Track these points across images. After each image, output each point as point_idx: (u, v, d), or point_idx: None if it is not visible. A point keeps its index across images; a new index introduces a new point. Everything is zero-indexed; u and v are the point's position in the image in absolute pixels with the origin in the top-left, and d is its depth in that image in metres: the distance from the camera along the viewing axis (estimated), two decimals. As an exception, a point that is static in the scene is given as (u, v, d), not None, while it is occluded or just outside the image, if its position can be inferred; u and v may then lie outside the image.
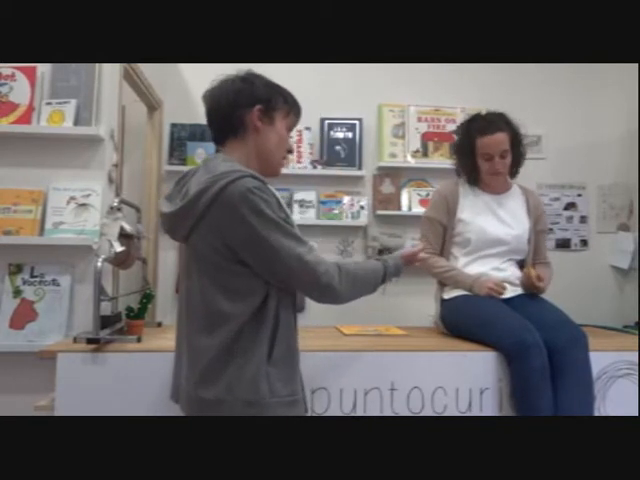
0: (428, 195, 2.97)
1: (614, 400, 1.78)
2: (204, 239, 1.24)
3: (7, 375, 1.90)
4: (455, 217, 2.07)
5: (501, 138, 1.99)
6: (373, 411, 1.69)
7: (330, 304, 1.31)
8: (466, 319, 1.93)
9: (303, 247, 1.24)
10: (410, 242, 2.95)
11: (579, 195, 3.24)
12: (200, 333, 1.26)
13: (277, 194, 1.28)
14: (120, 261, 1.88)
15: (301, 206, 2.98)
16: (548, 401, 1.66)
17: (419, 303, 2.41)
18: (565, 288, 2.41)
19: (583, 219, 3.24)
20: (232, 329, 1.23)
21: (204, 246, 1.25)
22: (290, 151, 1.47)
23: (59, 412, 1.58)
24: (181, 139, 2.98)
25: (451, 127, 3.00)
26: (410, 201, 3.07)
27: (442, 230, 2.09)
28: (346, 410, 1.68)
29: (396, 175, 3.10)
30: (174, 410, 1.35)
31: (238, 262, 1.23)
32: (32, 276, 1.97)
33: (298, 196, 2.99)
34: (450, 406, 1.71)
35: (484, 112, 2.08)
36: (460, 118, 2.65)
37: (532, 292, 2.00)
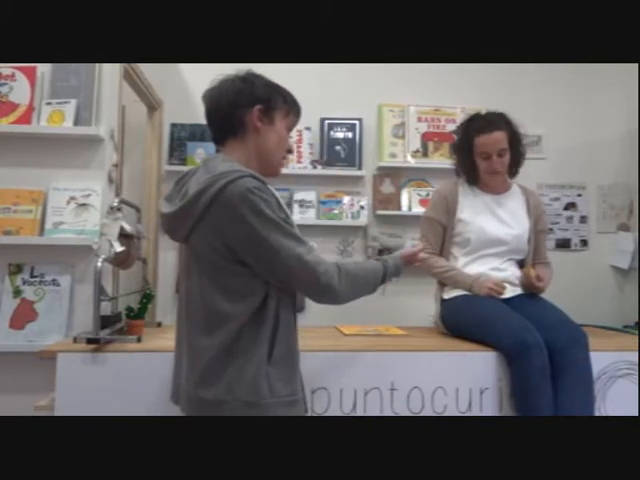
0: (428, 195, 2.97)
1: (614, 400, 1.78)
2: (204, 239, 1.24)
3: (7, 375, 1.90)
4: (455, 217, 2.07)
5: (499, 137, 1.99)
6: (373, 411, 1.69)
7: (330, 304, 1.31)
8: (466, 319, 1.93)
9: (303, 247, 1.24)
10: (410, 242, 2.95)
11: (579, 195, 3.24)
12: (200, 333, 1.26)
13: (277, 194, 1.28)
14: (120, 261, 1.88)
15: (301, 206, 2.98)
16: (548, 401, 1.66)
17: (419, 303, 2.41)
18: (565, 288, 2.41)
19: (583, 219, 3.24)
20: (232, 329, 1.23)
21: (204, 246, 1.25)
22: (290, 151, 1.47)
23: (59, 412, 1.58)
24: (181, 139, 2.98)
25: (451, 127, 3.00)
26: (410, 201, 3.07)
27: (442, 230, 2.09)
28: (346, 410, 1.68)
29: (396, 175, 3.10)
30: (174, 410, 1.35)
31: (238, 262, 1.23)
32: (32, 276, 1.97)
33: (298, 196, 2.98)
34: (450, 406, 1.71)
35: (484, 112, 2.08)
36: (460, 118, 2.64)
37: (532, 292, 2.01)
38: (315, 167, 3.02)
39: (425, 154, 3.12)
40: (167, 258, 2.93)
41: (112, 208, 1.85)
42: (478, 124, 2.03)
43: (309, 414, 1.59)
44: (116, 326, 1.86)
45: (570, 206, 3.24)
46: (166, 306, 2.86)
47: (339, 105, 3.07)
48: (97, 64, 2.03)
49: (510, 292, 1.99)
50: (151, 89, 2.67)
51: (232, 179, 1.20)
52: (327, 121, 3.07)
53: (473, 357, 1.76)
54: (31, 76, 2.02)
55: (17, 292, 1.96)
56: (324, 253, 2.21)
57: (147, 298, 1.93)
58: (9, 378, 1.90)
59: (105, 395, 1.60)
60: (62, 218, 1.97)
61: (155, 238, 2.85)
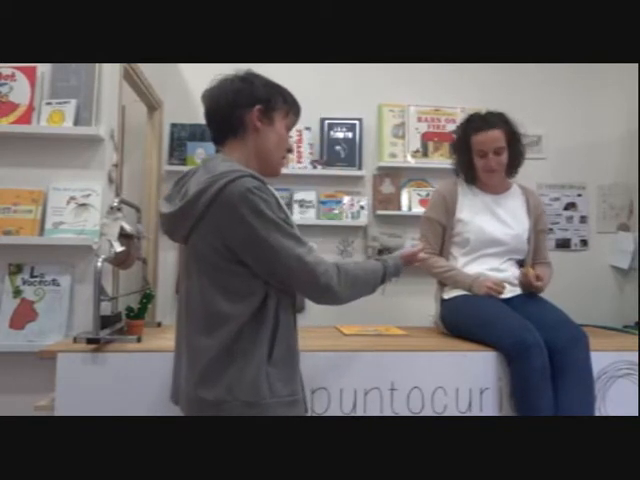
0: (428, 195, 2.97)
1: (614, 400, 1.78)
2: (204, 239, 1.24)
3: (7, 375, 1.90)
4: (454, 217, 2.07)
5: (496, 135, 1.99)
6: (373, 411, 1.69)
7: (329, 305, 1.31)
8: (466, 319, 1.93)
9: (303, 248, 1.24)
10: (410, 242, 2.95)
11: (579, 195, 3.24)
12: (200, 334, 1.26)
13: (276, 194, 1.28)
14: (120, 261, 1.88)
15: (301, 206, 2.98)
16: (548, 401, 1.66)
17: (419, 303, 2.41)
18: (565, 288, 2.41)
19: (583, 219, 3.24)
20: (232, 330, 1.23)
21: (204, 246, 1.25)
22: (290, 150, 1.47)
23: (59, 412, 1.58)
24: (181, 139, 2.98)
25: (451, 127, 3.00)
26: (410, 201, 3.07)
27: (441, 230, 2.09)
28: (346, 410, 1.68)
29: (396, 175, 3.10)
30: (174, 410, 1.35)
31: (237, 262, 1.23)
32: (32, 276, 1.97)
33: (298, 196, 2.99)
34: (450, 406, 1.71)
35: (483, 112, 2.08)
36: (460, 118, 2.64)
37: (530, 291, 2.00)
38: (315, 167, 3.02)
39: (425, 154, 3.12)
40: (167, 258, 2.93)
41: (112, 208, 1.85)
42: (476, 123, 2.04)
43: (309, 414, 1.59)
44: (116, 326, 1.86)
45: (570, 206, 3.24)
46: (166, 306, 2.86)
47: (339, 105, 3.07)
48: (97, 64, 2.03)
49: (510, 292, 1.99)
50: (151, 89, 2.67)
51: (232, 179, 1.20)
52: (327, 121, 3.07)
53: (473, 357, 1.76)
54: (31, 76, 2.02)
55: (17, 292, 1.96)
56: (324, 253, 2.21)
57: (147, 298, 1.93)
58: (9, 378, 1.90)
59: (105, 395, 1.60)
60: (62, 218, 1.97)
61: (155, 238, 2.85)
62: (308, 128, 3.02)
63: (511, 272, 2.05)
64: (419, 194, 3.07)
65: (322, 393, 1.67)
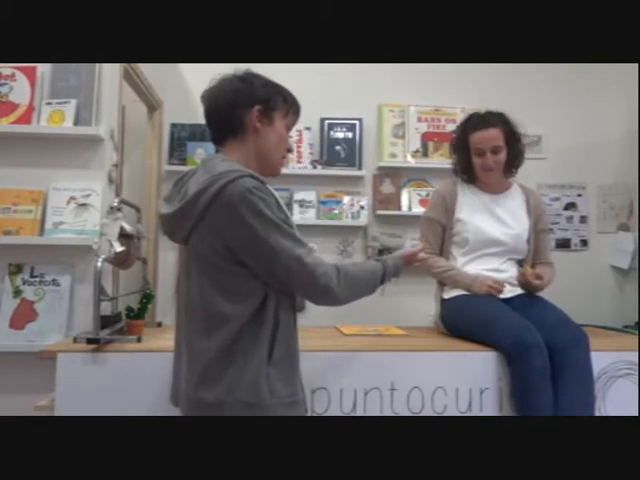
0: (428, 195, 2.97)
1: (614, 400, 1.78)
2: (204, 239, 1.24)
3: (7, 375, 1.90)
4: (453, 217, 2.07)
5: (493, 134, 1.99)
6: (373, 411, 1.68)
7: (329, 306, 1.31)
8: (466, 319, 1.93)
9: (302, 248, 1.24)
10: (410, 242, 2.95)
11: (579, 195, 3.24)
12: (200, 334, 1.26)
13: (276, 194, 1.28)
14: (120, 261, 1.88)
15: (301, 206, 2.98)
16: (548, 401, 1.66)
17: (419, 303, 2.41)
18: (565, 288, 2.40)
19: (583, 219, 3.24)
20: (232, 330, 1.22)
21: (204, 246, 1.24)
22: (290, 150, 1.47)
23: (59, 412, 1.58)
24: (181, 139, 2.98)
25: (451, 127, 2.99)
26: (410, 201, 3.07)
27: (441, 230, 2.10)
28: (346, 410, 1.68)
29: (396, 175, 3.10)
30: (174, 410, 1.35)
31: (237, 263, 1.23)
32: (32, 276, 1.97)
33: (298, 196, 2.98)
34: (450, 406, 1.71)
35: (483, 111, 2.09)
36: (460, 118, 2.65)
37: (529, 290, 2.00)
38: (315, 167, 3.01)
39: (425, 154, 3.12)
40: (167, 258, 2.93)
41: (112, 208, 1.85)
42: (474, 122, 2.05)
43: (309, 414, 1.59)
44: (116, 326, 1.86)
45: (570, 206, 3.24)
46: (166, 306, 2.85)
47: (339, 105, 3.07)
48: (97, 64, 2.03)
49: (510, 292, 1.99)
50: (151, 89, 2.67)
51: (232, 179, 1.20)
52: (327, 121, 3.07)
53: (473, 357, 1.76)
54: (31, 76, 2.02)
55: (17, 292, 1.96)
56: (324, 253, 2.21)
57: (147, 298, 1.93)
58: (9, 378, 1.90)
59: (105, 395, 1.60)
60: (62, 218, 1.97)
61: (155, 238, 2.85)
62: (308, 128, 3.02)
63: (511, 272, 2.05)
64: (419, 194, 3.07)
65: (322, 393, 1.67)
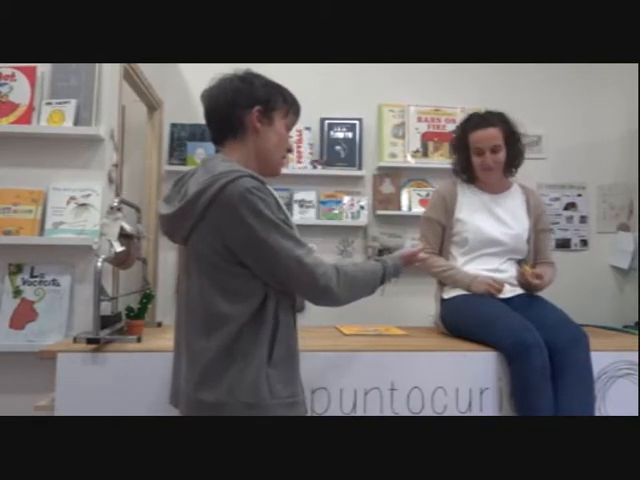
0: (428, 195, 2.97)
1: (614, 400, 1.78)
2: (204, 239, 1.24)
3: (7, 375, 1.90)
4: (453, 217, 2.07)
5: (493, 133, 2.00)
6: (373, 411, 1.68)
7: (328, 307, 1.31)
8: (466, 319, 1.93)
9: (302, 249, 1.24)
10: (410, 242, 2.95)
11: (579, 195, 3.24)
12: (199, 335, 1.26)
13: (276, 194, 1.28)
14: (120, 261, 1.88)
15: (301, 206, 2.98)
16: (548, 401, 1.66)
17: (419, 303, 2.41)
18: (565, 288, 2.40)
19: (583, 219, 3.24)
20: (232, 330, 1.22)
21: (204, 246, 1.24)
22: (290, 150, 1.46)
23: (59, 412, 1.58)
24: (181, 139, 2.98)
25: (451, 127, 2.99)
26: (410, 201, 3.07)
27: (441, 230, 2.10)
28: (346, 410, 1.68)
29: (396, 175, 3.10)
30: (174, 410, 1.35)
31: (237, 263, 1.23)
32: (32, 276, 1.97)
33: (298, 196, 2.98)
34: (450, 406, 1.71)
35: (483, 111, 2.09)
36: (460, 118, 2.65)
37: (529, 289, 2.00)
38: (315, 167, 3.01)
39: (425, 154, 3.12)
40: (167, 258, 2.93)
41: (112, 208, 1.85)
42: (474, 121, 2.05)
43: (309, 414, 1.59)
44: (116, 326, 1.86)
45: (570, 206, 3.24)
46: (166, 306, 2.85)
47: (339, 105, 3.07)
48: (97, 64, 2.03)
49: (510, 292, 1.99)
50: (151, 89, 2.67)
51: (232, 179, 1.20)
52: (327, 121, 3.07)
53: (473, 357, 1.76)
54: (31, 76, 2.02)
55: (17, 292, 1.96)
56: (324, 253, 2.21)
57: (147, 298, 1.93)
58: (9, 378, 1.90)
59: (105, 395, 1.60)
60: (62, 218, 1.97)
61: (155, 238, 2.85)
62: (308, 128, 3.02)
63: (511, 272, 2.04)
64: (419, 194, 3.07)
65: (322, 393, 1.67)
